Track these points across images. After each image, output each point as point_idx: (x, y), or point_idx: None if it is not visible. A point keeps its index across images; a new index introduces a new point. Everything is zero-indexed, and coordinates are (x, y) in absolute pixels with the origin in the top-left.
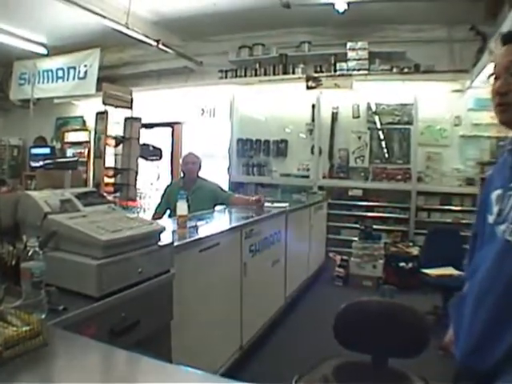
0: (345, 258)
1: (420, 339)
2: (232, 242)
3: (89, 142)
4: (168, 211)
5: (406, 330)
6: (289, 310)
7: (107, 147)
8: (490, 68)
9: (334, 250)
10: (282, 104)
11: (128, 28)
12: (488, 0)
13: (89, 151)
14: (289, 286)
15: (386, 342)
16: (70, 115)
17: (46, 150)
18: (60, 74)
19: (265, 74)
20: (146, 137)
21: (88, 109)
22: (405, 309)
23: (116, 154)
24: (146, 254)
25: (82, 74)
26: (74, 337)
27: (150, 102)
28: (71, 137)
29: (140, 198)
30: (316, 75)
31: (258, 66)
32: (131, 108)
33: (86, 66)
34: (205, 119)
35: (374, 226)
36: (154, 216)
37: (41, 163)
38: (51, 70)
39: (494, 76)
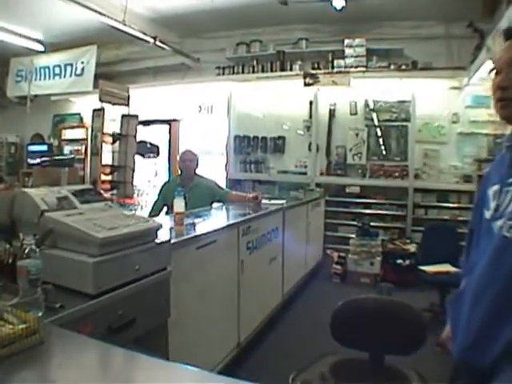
0: (342, 255)
1: (417, 336)
2: (229, 240)
3: (86, 139)
4: (165, 208)
5: (403, 327)
6: (286, 307)
7: (104, 144)
8: (487, 65)
9: (332, 247)
10: (279, 101)
11: (125, 25)
12: None
13: (86, 148)
14: (286, 283)
15: (383, 339)
16: (67, 112)
17: (44, 148)
18: (57, 70)
19: (262, 71)
20: (144, 134)
21: (85, 106)
22: (402, 306)
23: (113, 151)
24: (143, 251)
25: (78, 71)
26: (71, 334)
27: (147, 99)
28: (68, 134)
29: (137, 195)
30: (313, 72)
31: (255, 62)
32: (128, 105)
33: (82, 62)
34: (202, 116)
35: (372, 223)
36: (150, 213)
37: (38, 160)
38: (48, 67)
39: (494, 71)
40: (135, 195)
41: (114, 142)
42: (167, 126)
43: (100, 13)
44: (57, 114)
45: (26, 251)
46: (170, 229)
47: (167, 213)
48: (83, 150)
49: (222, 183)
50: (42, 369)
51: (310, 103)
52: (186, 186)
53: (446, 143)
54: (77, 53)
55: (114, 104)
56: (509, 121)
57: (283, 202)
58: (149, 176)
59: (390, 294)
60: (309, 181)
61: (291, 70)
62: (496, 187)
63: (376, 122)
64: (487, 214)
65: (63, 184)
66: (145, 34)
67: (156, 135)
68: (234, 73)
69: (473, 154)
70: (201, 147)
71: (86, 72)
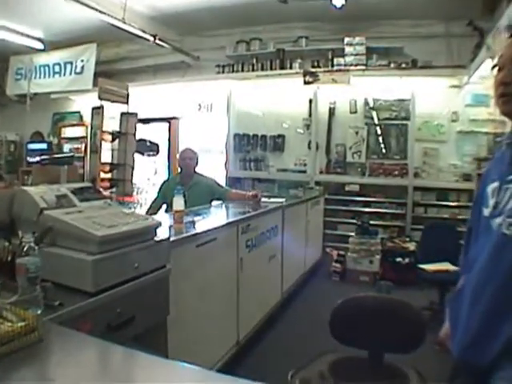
0: (342, 253)
1: (416, 334)
2: (228, 237)
3: (86, 137)
4: (164, 206)
5: (402, 326)
6: (285, 306)
7: (103, 142)
8: (487, 63)
9: (331, 246)
10: (279, 99)
11: (125, 23)
12: None
13: (86, 147)
14: (285, 281)
15: (383, 338)
16: (66, 110)
17: (43, 146)
18: (57, 69)
19: (262, 69)
20: (143, 132)
21: (85, 104)
22: (401, 304)
23: (113, 150)
24: (142, 249)
25: (78, 69)
26: (70, 332)
27: (146, 97)
28: (68, 132)
29: (137, 193)
30: (313, 70)
31: (255, 60)
32: (127, 103)
33: (82, 61)
34: (202, 114)
35: (371, 222)
36: (148, 211)
37: (37, 159)
38: (48, 65)
39: (497, 67)
40: (135, 193)
41: (113, 139)
42: (167, 124)
43: (100, 11)
44: (56, 112)
45: (25, 249)
46: (170, 227)
47: (167, 211)
48: (83, 149)
49: (222, 181)
50: (40, 367)
51: (310, 101)
52: (185, 184)
53: (445, 142)
54: (77, 51)
55: (113, 102)
56: (510, 116)
57: (283, 200)
58: (148, 174)
59: (389, 293)
60: (308, 179)
61: (291, 68)
62: (495, 184)
63: (376, 121)
64: (486, 212)
65: (62, 182)
66: (144, 32)
67: (156, 133)
68: (233, 71)
69: (472, 152)
70: (200, 145)
71: (86, 70)
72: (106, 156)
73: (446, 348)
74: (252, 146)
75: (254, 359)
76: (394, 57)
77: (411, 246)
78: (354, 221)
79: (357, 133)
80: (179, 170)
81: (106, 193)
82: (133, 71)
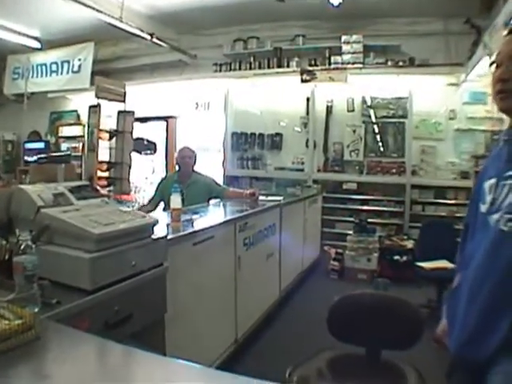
0: (339, 251)
1: (414, 331)
2: (226, 236)
3: (83, 136)
4: (162, 204)
5: (399, 323)
6: (283, 304)
7: (101, 141)
8: (485, 61)
9: (329, 244)
10: (276, 97)
11: (122, 22)
12: None
13: (83, 146)
14: (283, 279)
15: (380, 335)
16: (64, 109)
17: (41, 145)
18: (54, 68)
19: (259, 68)
20: (141, 131)
21: (82, 103)
22: (398, 301)
23: (110, 148)
24: (140, 247)
25: (75, 68)
26: (68, 330)
27: (144, 96)
28: (66, 131)
29: (134, 191)
30: (310, 69)
31: (252, 59)
32: (124, 101)
33: (79, 59)
34: (199, 113)
35: (369, 220)
36: (141, 208)
37: (35, 158)
38: (45, 64)
39: (495, 64)
40: (132, 192)
41: (110, 138)
42: (164, 123)
43: (97, 10)
44: (54, 111)
45: (22, 247)
46: (167, 225)
47: (164, 209)
48: (80, 147)
49: (220, 180)
50: (38, 364)
51: (307, 100)
52: (183, 182)
53: (443, 140)
54: (74, 50)
55: (110, 100)
56: (508, 113)
57: (280, 198)
58: (146, 173)
59: (386, 290)
60: (306, 177)
61: (288, 66)
62: (492, 181)
63: (373, 119)
64: (483, 208)
65: (60, 180)
66: (142, 30)
67: (153, 132)
68: (231, 69)
69: (470, 150)
70: (198, 144)
71: (83, 69)
72: (104, 154)
73: (443, 345)
74: (249, 144)
75: (252, 357)
76: (392, 55)
77: (409, 244)
78: (352, 219)
79: (354, 131)
80: (177, 168)
81: (104, 191)
82: (130, 70)
